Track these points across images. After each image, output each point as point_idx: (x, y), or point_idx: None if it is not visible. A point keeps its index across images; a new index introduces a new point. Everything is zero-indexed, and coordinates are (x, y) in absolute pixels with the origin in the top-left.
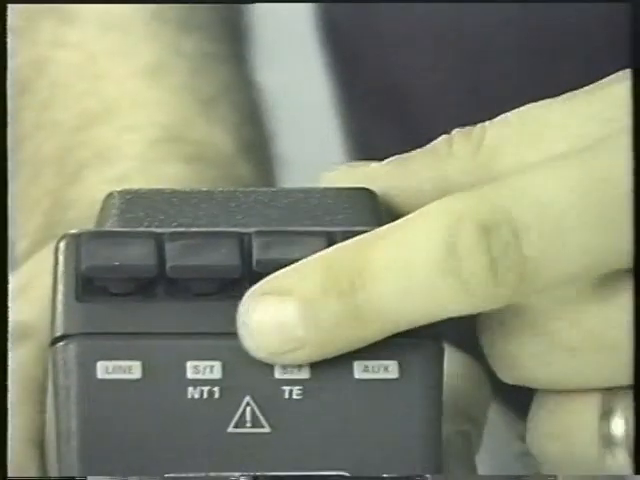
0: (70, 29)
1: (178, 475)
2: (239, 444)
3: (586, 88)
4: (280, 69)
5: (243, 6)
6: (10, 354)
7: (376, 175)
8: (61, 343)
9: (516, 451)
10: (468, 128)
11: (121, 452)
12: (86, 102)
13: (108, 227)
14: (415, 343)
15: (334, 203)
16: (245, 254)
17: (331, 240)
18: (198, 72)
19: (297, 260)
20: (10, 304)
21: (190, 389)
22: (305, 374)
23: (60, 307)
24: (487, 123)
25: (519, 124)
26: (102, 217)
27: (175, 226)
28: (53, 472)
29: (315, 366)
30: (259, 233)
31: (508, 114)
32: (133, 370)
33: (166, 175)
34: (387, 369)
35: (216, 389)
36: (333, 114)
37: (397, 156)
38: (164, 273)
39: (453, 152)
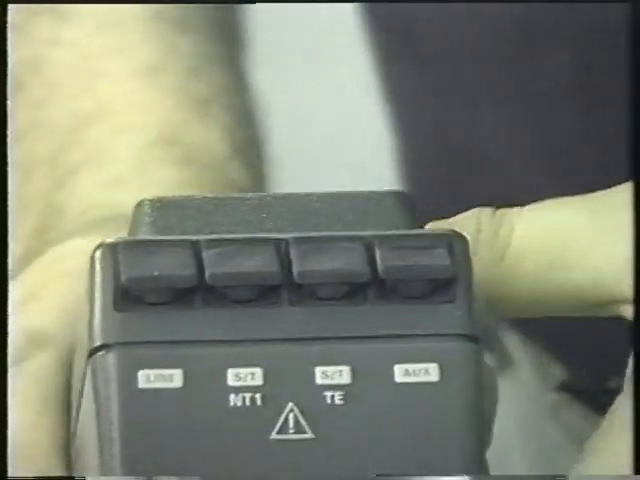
0: (67, 27)
1: None
2: (282, 451)
3: (614, 202)
4: (276, 71)
5: (241, 7)
6: (27, 363)
7: None
8: (101, 353)
9: (548, 403)
10: (495, 214)
11: (164, 460)
12: (80, 102)
13: (142, 236)
14: (454, 345)
15: (365, 206)
16: (283, 261)
17: (367, 245)
18: (194, 73)
19: (336, 268)
20: (19, 311)
21: (232, 396)
22: (346, 379)
23: (98, 317)
24: (514, 216)
25: (545, 232)
26: (134, 225)
27: (208, 233)
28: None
29: (356, 371)
30: (296, 239)
31: (535, 210)
32: (174, 378)
33: (159, 179)
34: (428, 372)
35: (258, 396)
36: (327, 117)
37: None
38: (203, 281)
39: (480, 245)
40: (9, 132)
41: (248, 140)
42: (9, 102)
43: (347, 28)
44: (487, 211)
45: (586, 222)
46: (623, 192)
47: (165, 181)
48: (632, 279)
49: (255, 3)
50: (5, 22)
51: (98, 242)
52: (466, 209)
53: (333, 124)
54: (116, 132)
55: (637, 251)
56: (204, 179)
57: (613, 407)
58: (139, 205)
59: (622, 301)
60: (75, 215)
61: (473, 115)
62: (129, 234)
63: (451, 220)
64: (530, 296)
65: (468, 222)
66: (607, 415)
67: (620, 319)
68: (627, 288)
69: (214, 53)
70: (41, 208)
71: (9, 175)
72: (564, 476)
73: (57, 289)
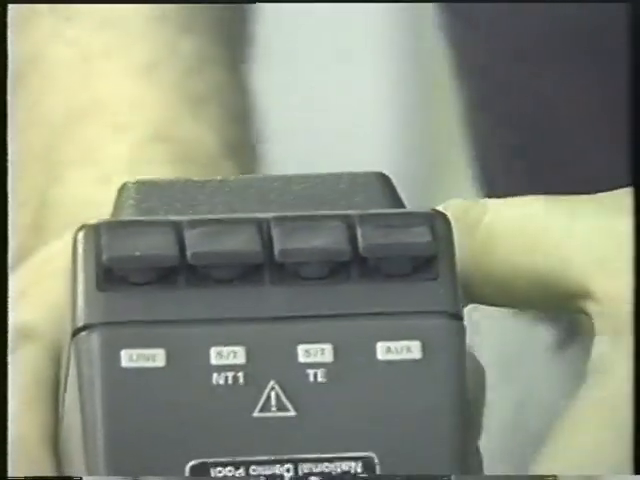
0: (69, 25)
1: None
2: (265, 428)
3: (592, 196)
4: (275, 73)
5: (242, 8)
6: (15, 356)
7: None
8: (84, 333)
9: None
10: (464, 203)
11: (147, 439)
12: (76, 98)
13: (125, 217)
14: (437, 322)
15: (349, 187)
16: (265, 240)
17: (348, 224)
18: (192, 72)
19: (318, 247)
20: (9, 308)
21: (215, 375)
22: (329, 357)
23: (81, 297)
24: (489, 201)
25: (520, 217)
26: (118, 207)
27: (192, 214)
28: (69, 467)
29: (338, 349)
30: (278, 218)
31: (512, 200)
32: (157, 358)
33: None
34: (410, 349)
35: (240, 374)
36: (324, 119)
37: None
38: (185, 261)
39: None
40: (10, 128)
41: (242, 139)
42: (9, 97)
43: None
44: (457, 200)
45: (563, 216)
46: (610, 198)
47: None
48: (632, 279)
49: (255, 3)
50: (5, 22)
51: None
52: (531, 176)
53: (335, 126)
54: (110, 129)
55: (637, 259)
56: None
57: (576, 400)
58: (122, 188)
59: (588, 296)
60: (68, 212)
61: (538, 83)
62: (112, 215)
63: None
64: (500, 279)
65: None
66: (569, 408)
67: (586, 315)
68: (595, 284)
69: (215, 53)
70: (35, 204)
71: (7, 171)
72: (555, 476)
73: (46, 288)
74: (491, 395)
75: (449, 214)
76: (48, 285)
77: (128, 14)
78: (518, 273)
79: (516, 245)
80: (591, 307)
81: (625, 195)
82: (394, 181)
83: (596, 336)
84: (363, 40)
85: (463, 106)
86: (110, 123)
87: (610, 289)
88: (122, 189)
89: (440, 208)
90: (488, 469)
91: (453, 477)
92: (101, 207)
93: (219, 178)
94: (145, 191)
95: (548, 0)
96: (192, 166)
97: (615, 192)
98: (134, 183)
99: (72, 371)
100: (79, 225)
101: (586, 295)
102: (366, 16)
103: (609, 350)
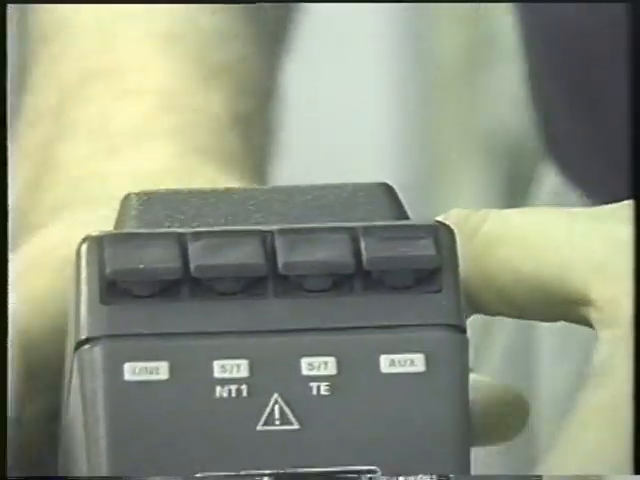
0: None
1: (209, 474)
2: (268, 442)
3: (592, 208)
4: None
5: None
6: None
7: None
8: (87, 346)
9: None
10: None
11: (150, 453)
12: (92, 59)
13: (128, 229)
14: (440, 335)
15: (352, 198)
16: (268, 252)
17: (352, 236)
18: (210, 45)
19: (322, 260)
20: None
21: (218, 388)
22: (332, 370)
23: (84, 310)
24: (490, 210)
25: (522, 224)
26: (121, 219)
27: (196, 226)
28: (71, 474)
29: (342, 362)
30: (281, 231)
31: (513, 210)
32: (160, 371)
33: (155, 149)
34: (413, 362)
35: (244, 387)
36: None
37: None
38: (188, 274)
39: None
40: (26, 81)
41: (253, 114)
42: (32, 54)
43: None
44: (457, 210)
45: (562, 223)
46: (610, 208)
47: (160, 152)
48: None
49: (255, 3)
50: (5, 22)
51: (83, 232)
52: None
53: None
54: (121, 94)
55: (637, 265)
56: (199, 145)
57: (577, 404)
58: (126, 198)
59: (589, 304)
60: (68, 178)
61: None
62: (115, 227)
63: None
64: (499, 286)
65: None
66: (570, 413)
67: (588, 324)
68: (595, 291)
69: (237, 29)
70: (38, 159)
71: (16, 121)
72: (539, 476)
73: (35, 283)
74: None
75: (450, 222)
76: (36, 280)
77: None
78: (518, 280)
79: (515, 252)
80: (592, 314)
81: (625, 207)
82: (397, 191)
83: (597, 342)
84: (362, 41)
85: (528, 70)
86: (122, 88)
87: (610, 295)
88: (125, 199)
89: (441, 218)
90: None
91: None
92: (102, 183)
93: (222, 188)
94: (148, 202)
95: (549, 0)
96: (198, 136)
97: (615, 204)
98: (137, 194)
99: (75, 382)
100: (84, 236)
101: (587, 302)
102: (366, 16)
103: (610, 355)
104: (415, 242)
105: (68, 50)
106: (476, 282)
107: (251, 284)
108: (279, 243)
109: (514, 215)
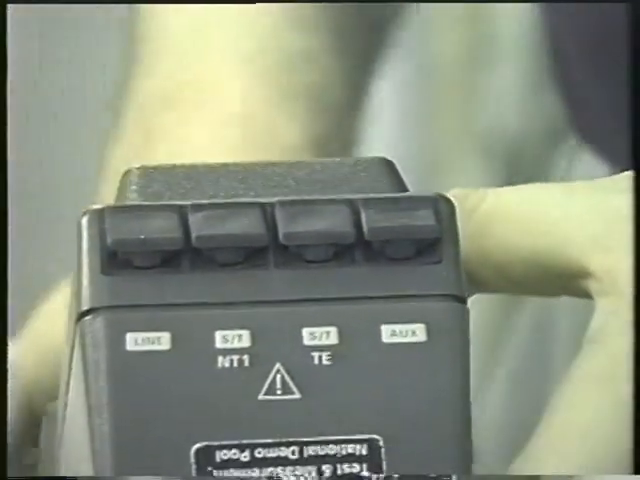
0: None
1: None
2: (270, 411)
3: (589, 181)
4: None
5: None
6: None
7: None
8: (88, 317)
9: None
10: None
11: (153, 422)
12: (177, 71)
13: (129, 202)
14: (442, 305)
15: (352, 172)
16: (269, 223)
17: (353, 207)
18: (291, 66)
19: (322, 230)
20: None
21: (220, 358)
22: (334, 340)
23: (86, 281)
24: (488, 189)
25: (518, 199)
26: (122, 192)
27: (196, 199)
28: (73, 453)
29: (343, 331)
30: (282, 203)
31: (510, 187)
32: (162, 341)
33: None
34: (415, 332)
35: (245, 357)
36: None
37: None
38: (190, 244)
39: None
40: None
41: (329, 135)
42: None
43: None
44: (457, 189)
45: (559, 197)
46: (607, 180)
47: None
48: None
49: (255, 3)
50: (5, 22)
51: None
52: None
53: None
54: (190, 116)
55: (637, 258)
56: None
57: (572, 372)
58: (126, 173)
59: (588, 275)
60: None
61: None
62: (116, 201)
63: None
64: (498, 263)
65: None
66: (565, 381)
67: (588, 297)
68: (593, 262)
69: (321, 48)
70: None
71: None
72: (538, 477)
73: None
74: None
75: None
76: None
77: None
78: (516, 256)
79: (513, 227)
80: (591, 285)
81: (623, 178)
82: (398, 166)
83: (595, 312)
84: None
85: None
86: (191, 110)
87: (609, 266)
88: (126, 174)
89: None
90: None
91: (454, 478)
92: None
93: (222, 163)
94: (149, 176)
95: (549, 0)
96: (269, 155)
97: (614, 176)
98: (138, 168)
99: (76, 355)
100: (85, 209)
101: (586, 275)
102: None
103: (606, 323)
104: (415, 213)
105: (160, 56)
106: (475, 260)
107: (252, 255)
108: (280, 214)
109: (511, 192)
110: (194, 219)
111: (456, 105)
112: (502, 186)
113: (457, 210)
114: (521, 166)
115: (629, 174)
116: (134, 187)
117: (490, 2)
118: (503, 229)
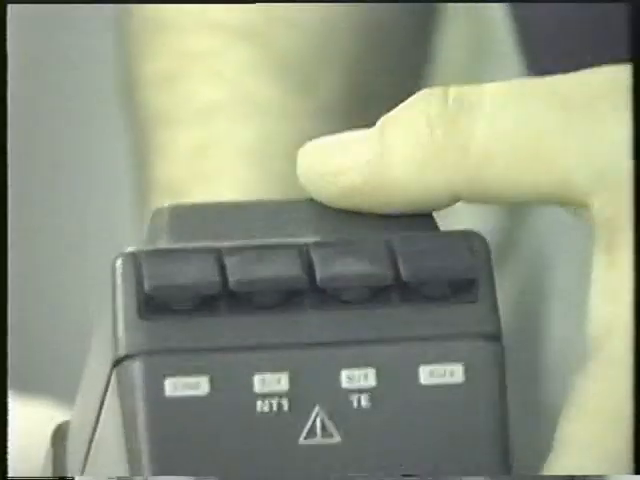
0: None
1: None
2: (311, 455)
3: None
4: None
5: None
6: None
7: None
8: (126, 362)
9: None
10: (447, 98)
11: (193, 470)
12: (199, 98)
13: (160, 243)
14: (478, 345)
15: None
16: (305, 265)
17: (389, 247)
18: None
19: (360, 272)
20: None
21: (259, 402)
22: (372, 382)
23: (122, 326)
24: (475, 107)
25: (515, 131)
26: (153, 233)
27: (227, 239)
28: None
29: (381, 373)
30: (317, 244)
31: (501, 105)
32: (201, 386)
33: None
34: (452, 373)
35: (284, 401)
36: None
37: None
38: (227, 288)
39: (435, 135)
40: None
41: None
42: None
43: None
44: (437, 94)
45: (558, 119)
46: (602, 76)
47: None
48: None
49: (255, 3)
50: (5, 22)
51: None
52: None
53: None
54: (213, 134)
55: (637, 256)
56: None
57: (576, 394)
58: (156, 212)
59: (590, 207)
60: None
61: None
62: (147, 241)
63: (400, 106)
64: (499, 197)
65: (418, 107)
66: (569, 403)
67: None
68: (596, 195)
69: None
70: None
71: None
72: (573, 477)
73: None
74: None
75: (423, 107)
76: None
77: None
78: (516, 190)
79: (513, 162)
80: (594, 219)
81: (619, 71)
82: None
83: (594, 255)
84: None
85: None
86: (215, 129)
87: (610, 203)
88: (156, 214)
89: (415, 97)
90: None
91: None
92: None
93: (253, 200)
94: (179, 215)
95: (548, 0)
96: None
97: (610, 70)
98: (167, 208)
99: (111, 399)
100: (119, 252)
101: (588, 206)
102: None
103: (606, 279)
104: (451, 252)
105: (187, 78)
106: (474, 199)
107: (289, 297)
108: (316, 256)
109: (504, 115)
110: (231, 262)
111: None
112: None
113: (434, 122)
114: None
115: (615, 68)
116: (165, 227)
117: (490, 2)
118: (502, 163)
